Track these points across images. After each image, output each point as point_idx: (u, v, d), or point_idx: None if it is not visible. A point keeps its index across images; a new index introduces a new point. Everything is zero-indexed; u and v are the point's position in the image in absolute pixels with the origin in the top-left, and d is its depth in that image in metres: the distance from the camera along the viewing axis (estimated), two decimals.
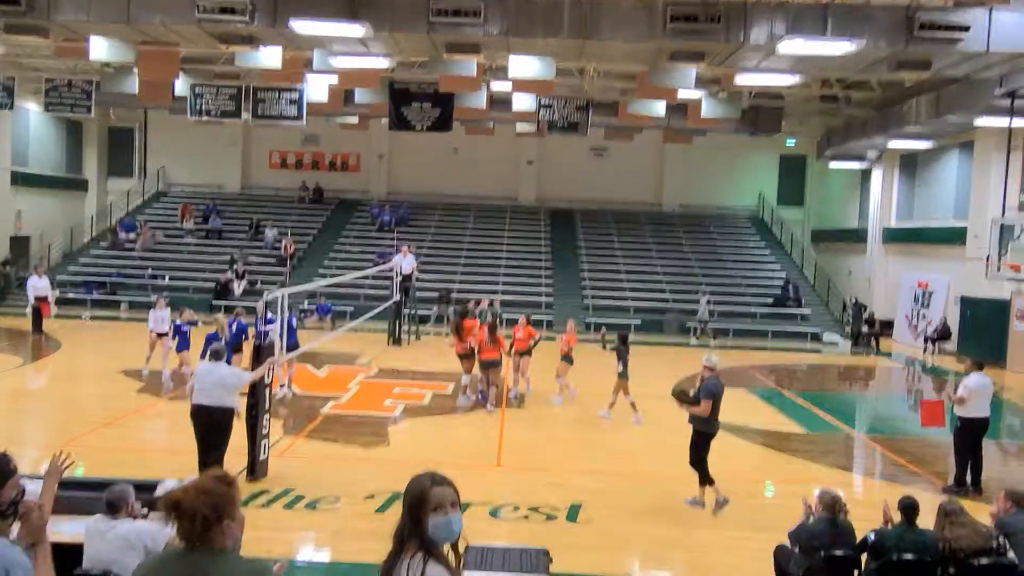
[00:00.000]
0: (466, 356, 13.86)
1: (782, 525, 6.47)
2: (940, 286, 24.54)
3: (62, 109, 22.52)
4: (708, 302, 25.40)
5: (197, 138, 31.14)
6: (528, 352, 14.01)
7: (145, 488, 5.45)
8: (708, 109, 21.23)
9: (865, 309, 25.64)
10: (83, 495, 5.59)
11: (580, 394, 14.05)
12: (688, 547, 7.79)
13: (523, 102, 21.27)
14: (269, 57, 17.26)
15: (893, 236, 27.62)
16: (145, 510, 5.13)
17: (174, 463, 8.84)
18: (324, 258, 28.73)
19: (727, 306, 26.77)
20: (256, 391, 9.10)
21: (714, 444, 9.07)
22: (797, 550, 5.93)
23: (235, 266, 26.74)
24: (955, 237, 23.22)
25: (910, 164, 26.88)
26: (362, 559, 6.96)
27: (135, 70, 19.28)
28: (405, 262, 21.32)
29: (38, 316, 19.99)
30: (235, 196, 33.22)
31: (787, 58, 15.70)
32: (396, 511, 2.87)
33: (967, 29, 14.04)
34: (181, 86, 20.56)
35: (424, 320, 23.71)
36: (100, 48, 16.48)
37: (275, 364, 9.72)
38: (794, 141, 31.63)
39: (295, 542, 7.60)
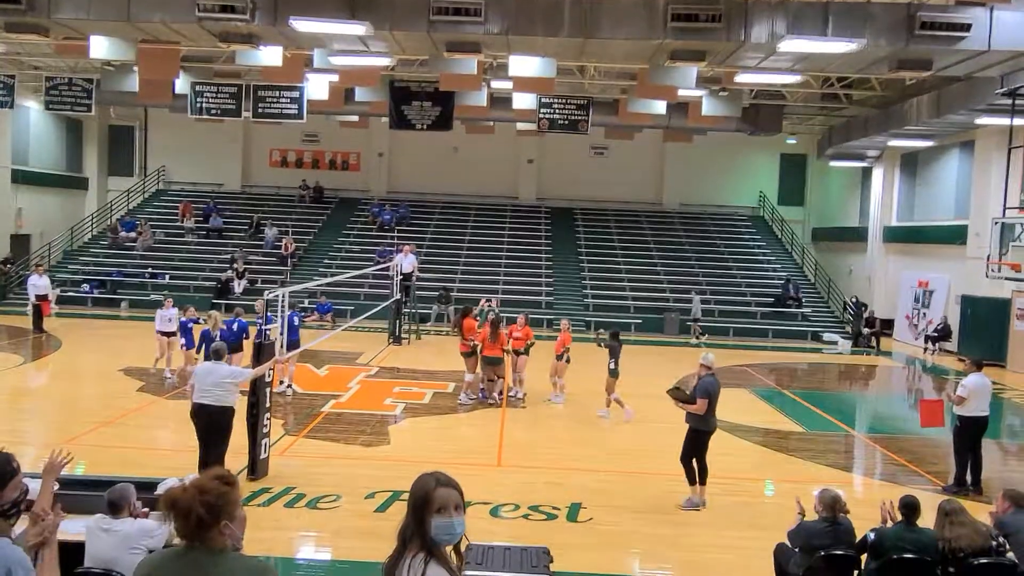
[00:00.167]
0: (469, 354, 14.01)
1: (782, 524, 6.48)
2: (941, 285, 24.53)
3: (62, 107, 22.52)
4: (700, 300, 25.31)
5: (197, 136, 31.13)
6: (525, 352, 14.10)
7: (146, 487, 5.47)
8: (708, 108, 21.22)
9: (865, 308, 25.64)
10: (84, 494, 5.61)
11: (579, 393, 14.06)
12: (688, 546, 7.80)
13: (523, 101, 21.27)
14: (269, 56, 17.27)
15: (894, 235, 27.62)
16: (146, 509, 5.14)
17: (175, 462, 8.87)
18: (324, 257, 28.74)
19: (727, 305, 26.79)
20: (257, 390, 9.12)
21: (714, 443, 9.09)
22: (797, 550, 5.94)
23: (235, 265, 26.75)
24: (956, 236, 23.22)
25: (911, 163, 26.88)
26: (362, 557, 6.98)
27: (135, 68, 19.27)
28: (406, 261, 21.34)
29: (39, 315, 20.02)
30: (235, 195, 33.22)
31: (788, 57, 15.69)
32: (396, 510, 2.89)
33: (968, 28, 14.03)
34: (181, 84, 20.55)
35: (424, 319, 23.73)
36: (100, 46, 16.48)
37: (277, 363, 9.73)
38: (795, 140, 31.66)
39: (296, 541, 7.61)
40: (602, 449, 11.35)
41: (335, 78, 19.86)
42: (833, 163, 29.74)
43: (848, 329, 25.86)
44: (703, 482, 8.84)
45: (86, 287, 26.13)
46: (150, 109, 30.87)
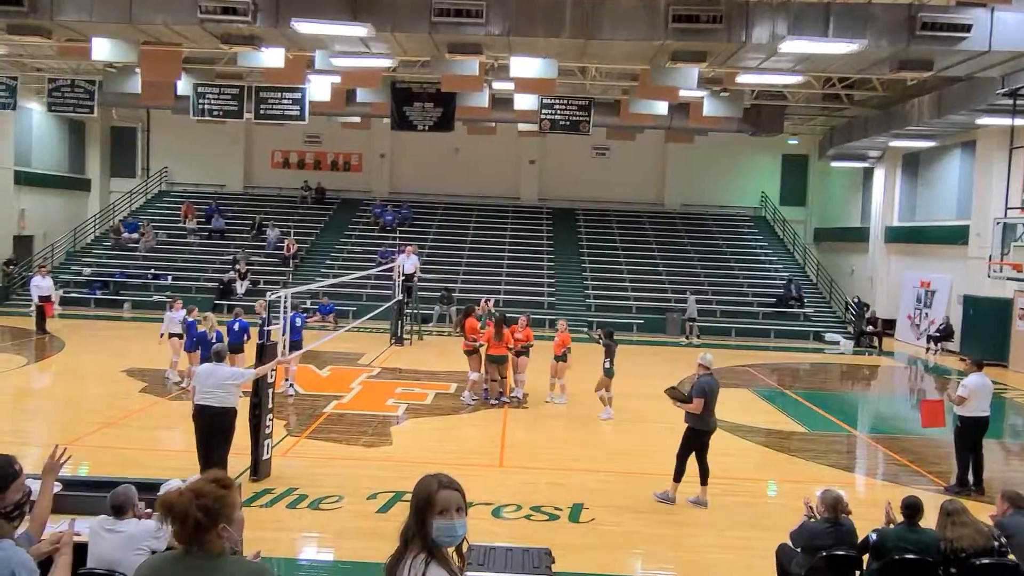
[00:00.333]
0: (472, 353, 14.08)
1: (784, 525, 6.48)
2: (942, 285, 24.52)
3: (65, 109, 22.54)
4: (696, 300, 25.26)
5: (199, 138, 31.18)
6: (525, 352, 14.14)
7: (149, 488, 5.48)
8: (710, 109, 21.22)
9: (867, 308, 25.63)
10: (86, 495, 5.63)
11: (580, 394, 14.06)
12: (690, 547, 7.81)
13: (525, 102, 21.27)
14: (271, 57, 17.29)
15: (895, 235, 27.60)
16: (149, 510, 5.15)
17: (177, 463, 8.88)
18: (326, 258, 28.77)
19: (730, 305, 26.78)
20: (259, 391, 9.13)
21: (716, 443, 9.10)
22: (799, 550, 5.95)
23: (237, 266, 26.78)
24: (957, 236, 23.20)
25: (912, 163, 26.86)
26: (364, 558, 6.99)
27: (137, 70, 19.30)
28: (408, 262, 21.35)
29: (42, 316, 20.06)
30: (237, 196, 33.26)
31: (789, 58, 15.69)
32: (398, 511, 2.90)
33: (969, 29, 14.03)
34: (183, 86, 20.58)
35: (426, 320, 23.75)
36: (103, 48, 16.51)
37: (278, 363, 9.74)
38: (796, 140, 31.65)
39: (298, 541, 7.62)
40: (603, 449, 11.36)
41: (337, 79, 19.89)
42: (835, 163, 29.74)
43: (850, 329, 25.85)
44: (704, 482, 8.86)
45: (89, 288, 26.20)
46: (152, 111, 30.92)
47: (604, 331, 13.38)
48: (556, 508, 8.56)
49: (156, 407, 12.80)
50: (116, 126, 32.82)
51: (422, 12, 14.51)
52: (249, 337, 13.53)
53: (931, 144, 24.42)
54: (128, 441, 10.76)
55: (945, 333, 23.39)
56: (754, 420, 13.44)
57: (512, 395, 14.01)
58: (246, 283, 26.29)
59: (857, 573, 5.80)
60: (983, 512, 6.68)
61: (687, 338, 23.94)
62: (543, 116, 21.08)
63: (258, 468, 9.02)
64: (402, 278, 20.72)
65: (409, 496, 2.82)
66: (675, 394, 8.95)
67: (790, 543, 6.11)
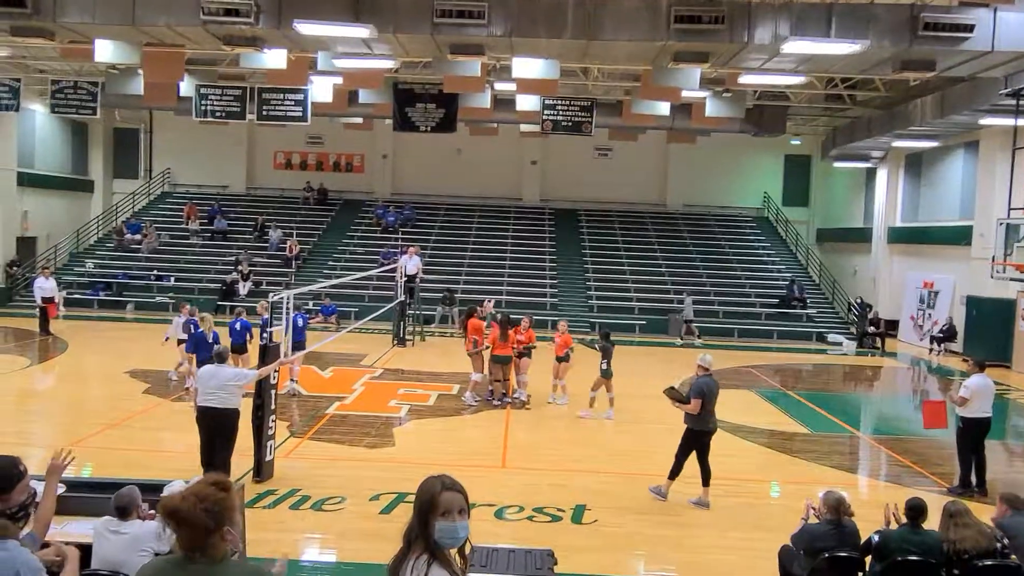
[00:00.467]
0: (475, 353, 14.13)
1: (786, 526, 6.48)
2: (946, 286, 24.48)
3: (68, 111, 22.58)
4: (693, 301, 25.23)
5: (202, 139, 31.23)
6: (527, 353, 14.15)
7: (152, 489, 5.49)
8: (712, 109, 21.21)
9: (870, 309, 25.60)
10: (90, 496, 5.64)
11: (581, 395, 14.05)
12: (692, 548, 7.81)
13: (527, 103, 21.28)
14: (274, 58, 17.31)
15: (898, 236, 27.56)
16: (153, 511, 5.16)
17: (180, 464, 8.89)
18: (329, 259, 28.79)
19: (732, 306, 26.75)
20: (262, 392, 9.14)
21: (718, 444, 9.10)
22: (802, 551, 5.95)
23: (240, 267, 26.81)
24: (960, 237, 23.16)
25: (915, 164, 26.83)
26: (367, 559, 7.00)
27: (140, 72, 19.34)
28: (410, 263, 21.36)
29: (45, 317, 20.10)
30: (240, 197, 33.30)
31: (791, 58, 15.68)
32: (401, 512, 2.91)
33: (971, 29, 14.02)
34: (186, 87, 20.63)
35: (429, 321, 23.75)
36: (105, 50, 16.53)
37: (281, 364, 9.76)
38: (799, 141, 31.61)
39: (301, 542, 7.64)
40: (604, 450, 11.36)
41: (339, 80, 19.91)
42: (837, 164, 29.71)
43: (853, 330, 25.81)
44: (706, 484, 8.86)
45: (92, 289, 26.26)
46: (155, 112, 30.93)
47: (600, 332, 13.38)
48: (559, 509, 8.57)
49: (159, 408, 12.82)
50: (119, 127, 32.86)
51: (424, 13, 14.52)
52: (252, 336, 13.56)
53: (934, 144, 24.39)
54: (131, 442, 10.78)
55: (948, 334, 23.36)
56: (756, 421, 13.43)
57: (516, 396, 14.02)
58: (249, 284, 26.32)
59: (859, 575, 5.79)
60: (986, 513, 6.67)
61: (682, 338, 23.91)
62: (545, 117, 21.09)
63: (261, 469, 9.03)
64: (404, 279, 20.73)
65: (412, 497, 2.83)
66: (673, 394, 8.95)
67: (792, 545, 6.10)
